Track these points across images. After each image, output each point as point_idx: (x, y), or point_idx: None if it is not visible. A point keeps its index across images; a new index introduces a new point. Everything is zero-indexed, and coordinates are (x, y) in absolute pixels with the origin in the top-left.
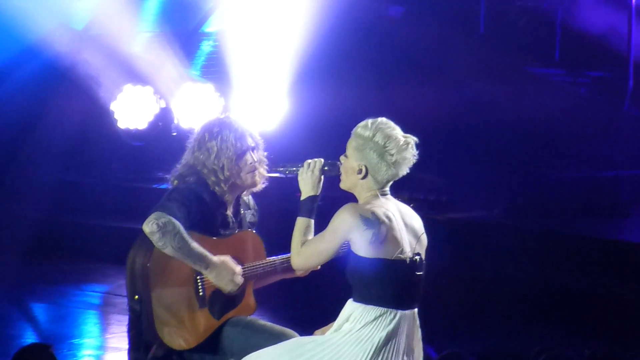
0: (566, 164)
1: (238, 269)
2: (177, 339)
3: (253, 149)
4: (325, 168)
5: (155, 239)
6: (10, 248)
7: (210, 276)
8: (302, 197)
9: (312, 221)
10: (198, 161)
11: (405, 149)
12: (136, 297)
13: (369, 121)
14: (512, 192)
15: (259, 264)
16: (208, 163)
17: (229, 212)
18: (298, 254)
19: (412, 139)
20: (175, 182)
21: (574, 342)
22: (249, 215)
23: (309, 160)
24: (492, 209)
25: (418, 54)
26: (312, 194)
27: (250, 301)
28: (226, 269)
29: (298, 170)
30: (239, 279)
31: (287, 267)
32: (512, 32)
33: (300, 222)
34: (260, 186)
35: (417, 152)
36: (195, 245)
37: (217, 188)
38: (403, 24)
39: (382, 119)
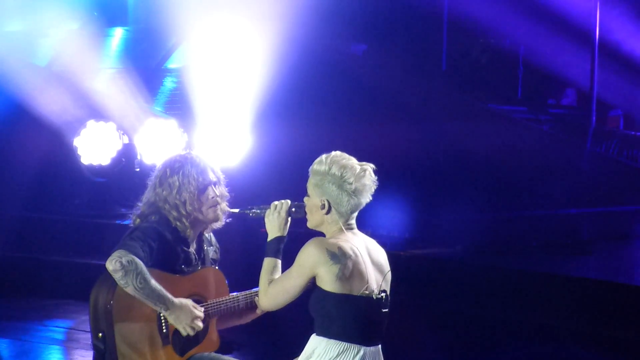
0: (529, 201)
1: (198, 313)
2: None
3: (215, 183)
4: (292, 209)
5: (117, 277)
6: None
7: (170, 318)
8: (269, 238)
9: (279, 261)
10: (160, 197)
11: (363, 175)
12: (100, 335)
13: (323, 156)
14: (474, 229)
15: (222, 300)
16: (170, 198)
17: (192, 249)
18: (265, 294)
19: (369, 166)
20: (137, 220)
21: None
22: (211, 252)
23: (276, 202)
24: (454, 246)
25: (380, 91)
26: (278, 234)
27: (213, 337)
28: (185, 313)
29: (265, 212)
30: (199, 324)
31: (251, 302)
32: (474, 69)
33: (267, 262)
34: (222, 221)
35: (376, 178)
36: (156, 286)
37: (178, 224)
38: (365, 61)
39: (336, 152)
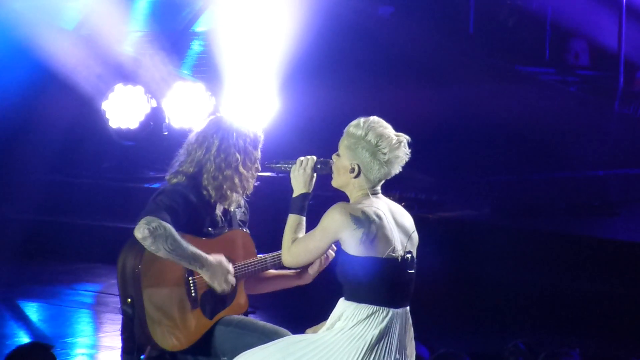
0: (556, 163)
1: (231, 269)
2: (170, 340)
3: (250, 155)
4: (318, 166)
5: (147, 243)
6: (2, 249)
7: (205, 276)
8: (294, 195)
9: (304, 219)
10: (194, 159)
11: (397, 147)
12: (129, 300)
13: (361, 120)
14: (502, 191)
15: (250, 262)
16: (207, 164)
17: (218, 211)
18: (288, 250)
19: (405, 138)
20: (174, 180)
21: (565, 341)
22: (239, 214)
23: (302, 158)
24: (482, 209)
25: (407, 53)
26: (303, 191)
27: (241, 300)
28: (221, 268)
29: (290, 167)
30: (233, 279)
31: (279, 264)
32: (501, 31)
33: (292, 219)
34: (250, 190)
35: (410, 150)
36: (188, 245)
37: (209, 188)
38: (392, 23)
39: (374, 118)
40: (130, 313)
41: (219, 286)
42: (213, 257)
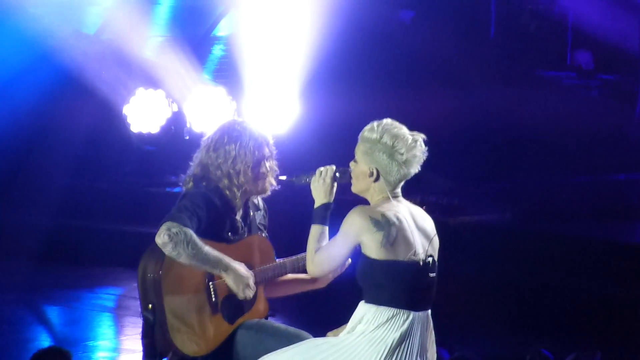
0: (577, 167)
1: (251, 274)
2: (192, 345)
3: (268, 158)
4: (337, 175)
5: (168, 249)
6: (24, 253)
7: (228, 280)
8: (315, 205)
9: (326, 228)
10: (212, 162)
11: (414, 146)
12: (150, 306)
13: (374, 123)
14: (523, 195)
15: (269, 267)
16: (223, 167)
17: (238, 216)
18: (312, 261)
19: (420, 136)
20: (191, 184)
21: (586, 346)
22: (258, 217)
23: (321, 169)
24: (503, 213)
25: (428, 58)
26: (325, 201)
27: (261, 305)
28: (243, 274)
29: (310, 179)
30: (253, 285)
31: (298, 268)
32: (523, 36)
33: (314, 229)
34: (268, 193)
35: (426, 148)
36: (209, 249)
37: (228, 192)
38: (413, 28)
39: (387, 120)
40: (151, 319)
41: (242, 292)
42: (235, 262)
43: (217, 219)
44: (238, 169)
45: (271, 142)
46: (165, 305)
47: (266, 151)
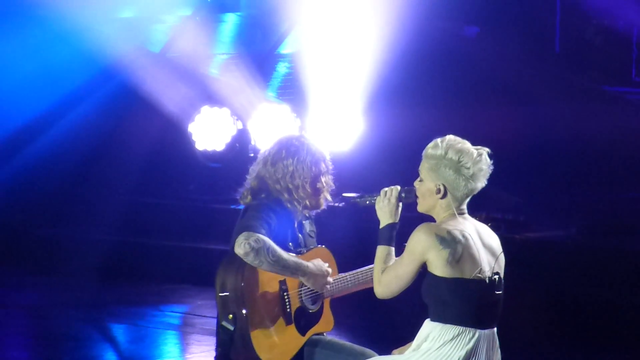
0: None
1: (329, 269)
2: (272, 355)
3: (324, 173)
4: (402, 195)
5: (250, 258)
6: (89, 269)
7: (308, 283)
8: (381, 226)
9: (392, 249)
10: (270, 176)
11: (479, 160)
12: (230, 316)
13: (438, 140)
14: (588, 211)
15: (338, 278)
16: (282, 181)
17: (296, 227)
18: (379, 282)
19: (485, 150)
20: (249, 197)
21: None
22: (308, 226)
23: (386, 189)
24: (568, 228)
25: (493, 73)
26: (390, 221)
27: (329, 317)
28: (320, 274)
29: (375, 200)
30: (331, 280)
31: (364, 281)
32: (588, 51)
33: (380, 250)
34: (323, 207)
35: (491, 162)
36: (288, 255)
37: (289, 205)
38: (478, 43)
39: (450, 136)
40: (230, 330)
41: (322, 288)
42: (312, 263)
43: (281, 230)
44: (297, 184)
45: (328, 157)
46: (247, 314)
47: (323, 167)
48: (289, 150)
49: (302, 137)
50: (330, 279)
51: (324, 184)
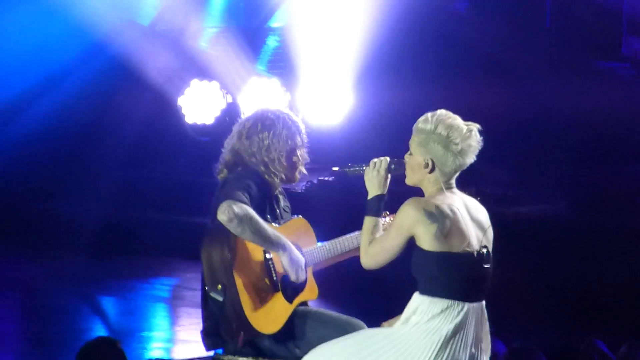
0: (633, 156)
1: (303, 258)
2: (265, 323)
3: (300, 146)
4: (392, 166)
5: (233, 226)
6: (79, 243)
7: (284, 260)
8: (369, 197)
9: (380, 220)
10: (245, 149)
11: (469, 136)
12: (219, 286)
13: (428, 114)
14: (578, 186)
15: (316, 248)
16: (258, 155)
17: (273, 199)
18: (366, 253)
19: (475, 126)
20: (225, 171)
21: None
22: (282, 200)
23: (375, 160)
24: (558, 203)
25: (483, 48)
26: (378, 193)
27: (312, 284)
28: (297, 255)
29: (363, 170)
30: (305, 268)
31: (347, 249)
32: (578, 26)
33: (368, 221)
34: (298, 181)
35: (481, 138)
36: (269, 227)
37: (267, 177)
38: (468, 18)
39: (441, 111)
40: (220, 300)
41: (295, 274)
42: (291, 243)
43: (259, 201)
44: (272, 157)
45: (303, 129)
46: (237, 284)
47: (298, 140)
48: (264, 123)
49: (277, 109)
50: (303, 265)
51: (300, 158)
